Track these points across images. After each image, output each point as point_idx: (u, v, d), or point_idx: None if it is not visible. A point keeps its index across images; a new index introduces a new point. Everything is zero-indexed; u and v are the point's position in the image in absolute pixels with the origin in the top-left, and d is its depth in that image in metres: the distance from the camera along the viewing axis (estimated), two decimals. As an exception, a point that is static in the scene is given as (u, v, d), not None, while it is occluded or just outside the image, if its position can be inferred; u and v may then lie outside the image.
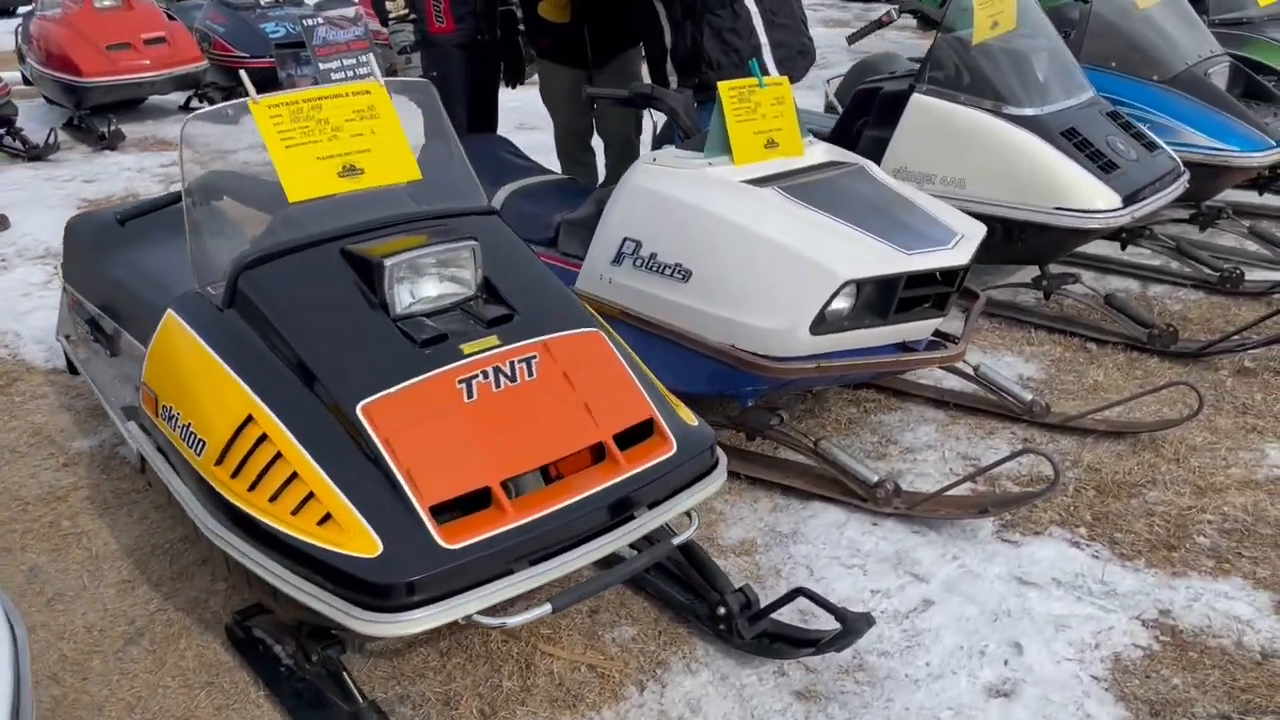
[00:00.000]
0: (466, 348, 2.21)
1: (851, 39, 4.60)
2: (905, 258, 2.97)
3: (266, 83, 8.94)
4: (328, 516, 1.98)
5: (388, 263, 2.23)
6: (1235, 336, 3.89)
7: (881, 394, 3.69)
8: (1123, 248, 4.69)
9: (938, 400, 3.63)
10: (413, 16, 4.54)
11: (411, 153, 2.56)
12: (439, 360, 2.17)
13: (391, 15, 4.53)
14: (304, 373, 2.13)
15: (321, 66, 8.41)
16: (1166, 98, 4.87)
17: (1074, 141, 4.10)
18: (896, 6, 4.49)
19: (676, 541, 2.29)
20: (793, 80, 4.13)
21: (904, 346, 3.12)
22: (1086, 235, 4.08)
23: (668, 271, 3.16)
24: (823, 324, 2.95)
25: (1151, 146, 4.35)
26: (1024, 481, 3.15)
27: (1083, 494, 3.08)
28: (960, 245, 3.08)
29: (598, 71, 4.67)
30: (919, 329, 3.12)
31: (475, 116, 4.83)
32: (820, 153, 3.52)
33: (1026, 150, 4.08)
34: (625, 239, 3.28)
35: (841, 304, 2.99)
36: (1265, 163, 4.72)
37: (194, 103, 8.91)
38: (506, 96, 4.75)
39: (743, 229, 3.04)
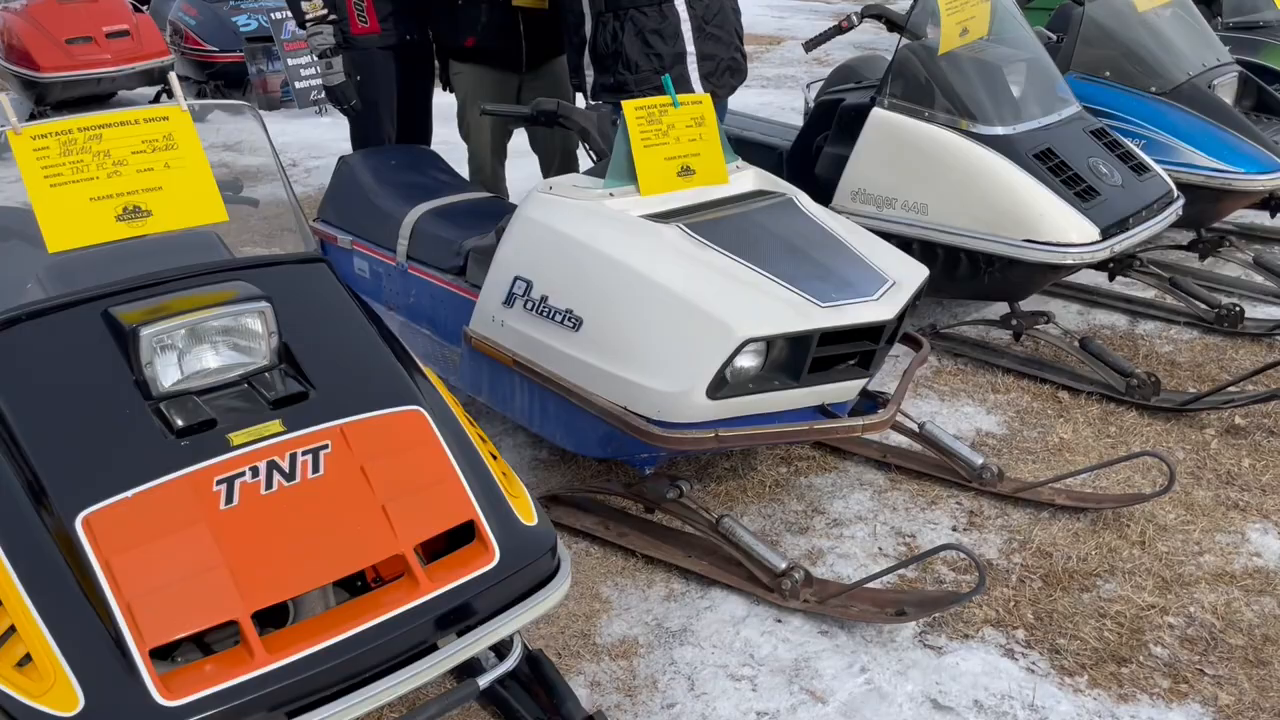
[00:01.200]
0: (236, 437, 1.82)
1: (808, 45, 4.19)
2: (819, 311, 2.55)
3: (238, 75, 8.49)
4: (27, 658, 1.60)
5: (143, 331, 1.85)
6: (1226, 390, 3.44)
7: (817, 450, 3.27)
8: (1110, 278, 4.24)
9: (880, 461, 3.21)
10: (332, 17, 4.14)
11: (216, 190, 2.17)
12: (197, 454, 1.78)
13: (308, 16, 4.12)
14: (28, 471, 1.75)
15: (290, 63, 8.10)
16: (1164, 112, 4.40)
17: (1049, 165, 3.66)
18: (857, 11, 4.04)
19: (483, 682, 1.89)
20: (718, 97, 3.73)
21: (825, 410, 2.71)
22: (1059, 271, 3.64)
23: (558, 318, 2.76)
24: (723, 386, 2.54)
25: (1140, 169, 3.90)
26: (962, 568, 2.73)
27: (1027, 585, 2.66)
28: (887, 296, 2.65)
29: (531, 75, 4.27)
30: (841, 391, 2.70)
31: (404, 126, 4.45)
32: (749, 180, 3.11)
33: (993, 174, 3.64)
34: (516, 278, 2.89)
35: (747, 363, 2.58)
36: (1272, 186, 4.25)
37: (163, 99, 8.57)
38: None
39: (635, 274, 2.63)
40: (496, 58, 4.18)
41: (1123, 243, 3.61)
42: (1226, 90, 4.60)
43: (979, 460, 3.05)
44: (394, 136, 4.37)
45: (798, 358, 2.58)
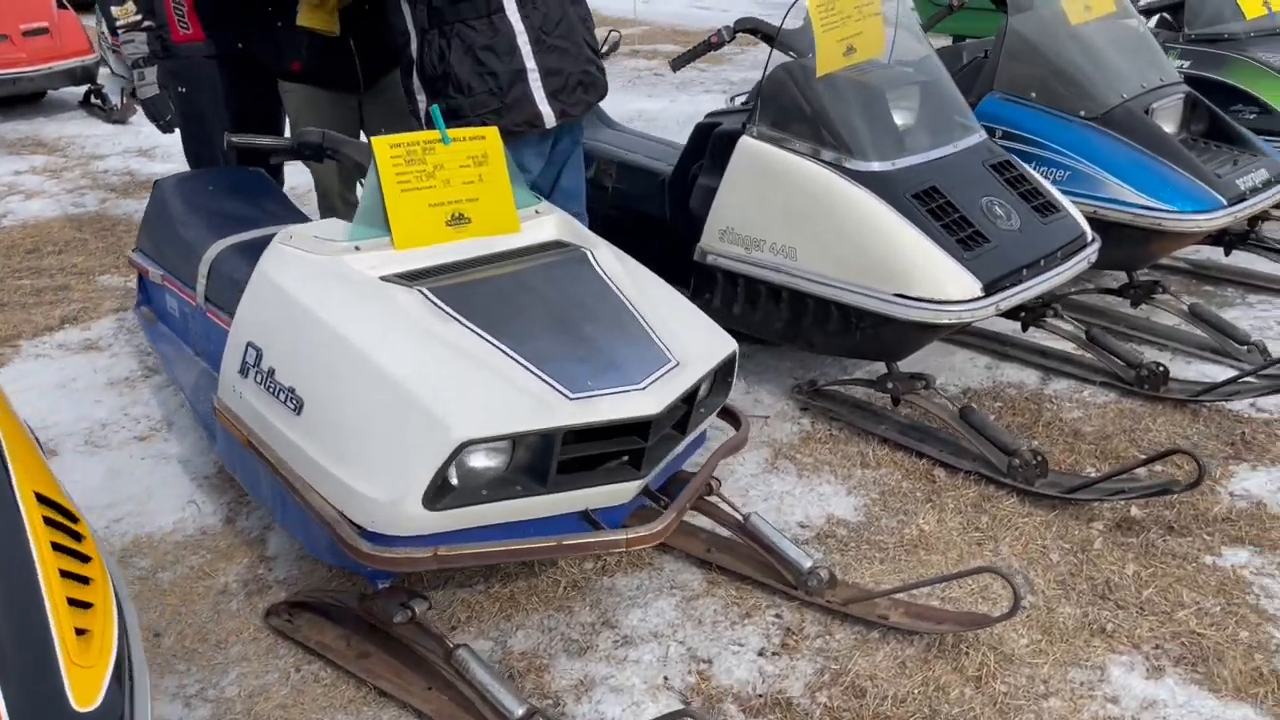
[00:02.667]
0: None
1: (675, 64, 3.72)
2: (565, 406, 2.09)
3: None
4: None
5: None
6: (1118, 477, 2.95)
7: (634, 540, 2.81)
8: (1023, 328, 3.74)
9: (702, 558, 2.75)
10: (147, 23, 3.71)
11: None
12: None
13: (119, 22, 3.70)
14: None
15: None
16: (1092, 140, 3.90)
17: (930, 206, 3.18)
18: (728, 26, 3.56)
19: None
20: (569, 117, 3.28)
21: (590, 518, 2.25)
22: (935, 330, 3.16)
23: (282, 396, 2.32)
24: (447, 494, 2.09)
25: (1046, 209, 3.41)
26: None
27: (825, 737, 2.20)
28: (659, 384, 2.19)
29: (371, 95, 3.83)
30: (609, 495, 2.24)
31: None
32: (548, 229, 2.66)
33: (863, 218, 3.16)
34: (249, 344, 2.46)
35: (482, 464, 2.13)
36: (1209, 227, 3.74)
37: (93, 99, 8.20)
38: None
39: (355, 351, 2.19)
40: (329, 80, 3.74)
41: (1012, 297, 3.12)
42: (1169, 115, 4.09)
43: (807, 563, 2.58)
44: (227, 156, 3.93)
45: (547, 459, 2.13)
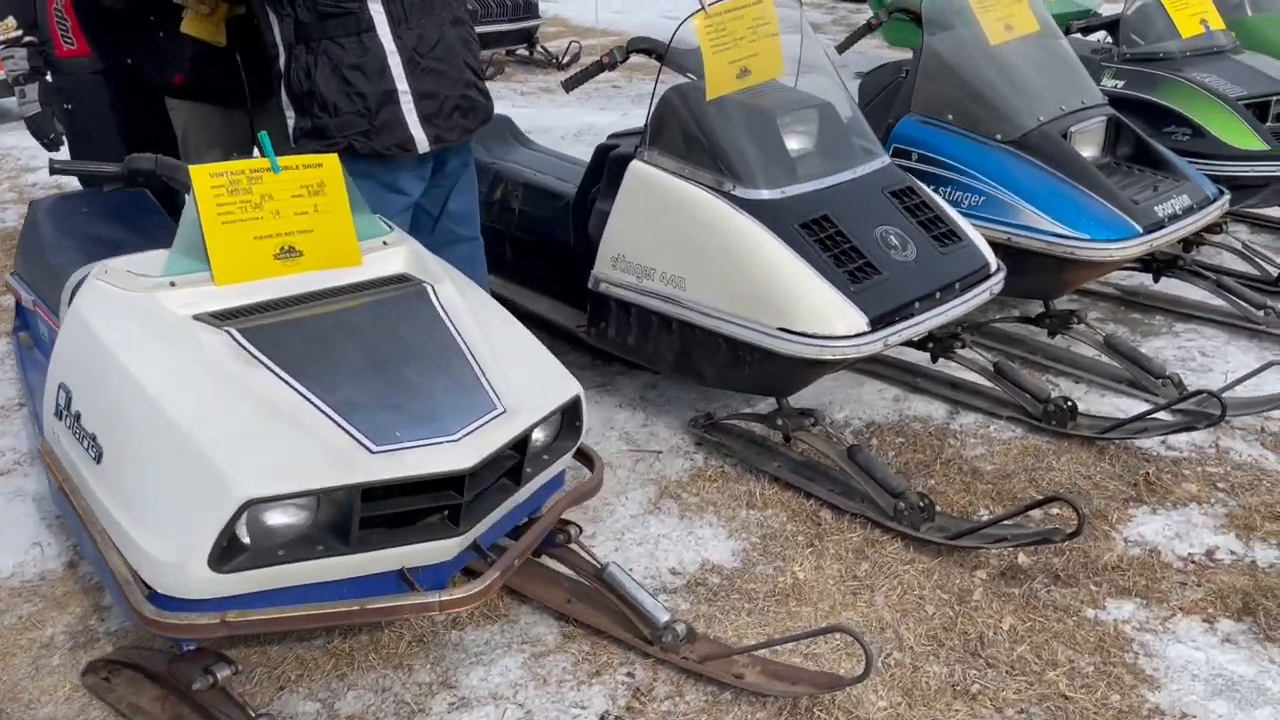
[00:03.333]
0: None
1: (568, 85, 3.62)
2: (365, 460, 1.95)
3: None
4: None
5: None
6: (1003, 523, 2.81)
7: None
8: (932, 359, 3.60)
9: (561, 610, 2.60)
10: (28, 39, 3.57)
11: None
12: None
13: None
14: None
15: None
16: (1007, 164, 3.77)
17: (819, 236, 3.05)
18: (621, 46, 3.42)
19: None
20: (444, 142, 3.15)
21: (406, 577, 2.10)
22: (820, 366, 3.02)
23: (85, 443, 2.18)
24: (239, 555, 1.95)
25: (947, 238, 3.27)
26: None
27: (653, 813, 2.05)
28: (476, 435, 2.05)
29: (261, 112, 3.68)
30: (422, 554, 2.10)
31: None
32: (395, 262, 2.52)
33: (748, 248, 3.03)
34: (61, 385, 2.31)
35: (282, 520, 1.99)
36: (1123, 257, 3.61)
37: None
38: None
39: (148, 399, 2.04)
40: (214, 94, 3.59)
41: (901, 333, 2.99)
42: (1089, 138, 3.96)
43: (664, 617, 2.43)
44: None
45: (350, 516, 1.98)
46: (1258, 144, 4.39)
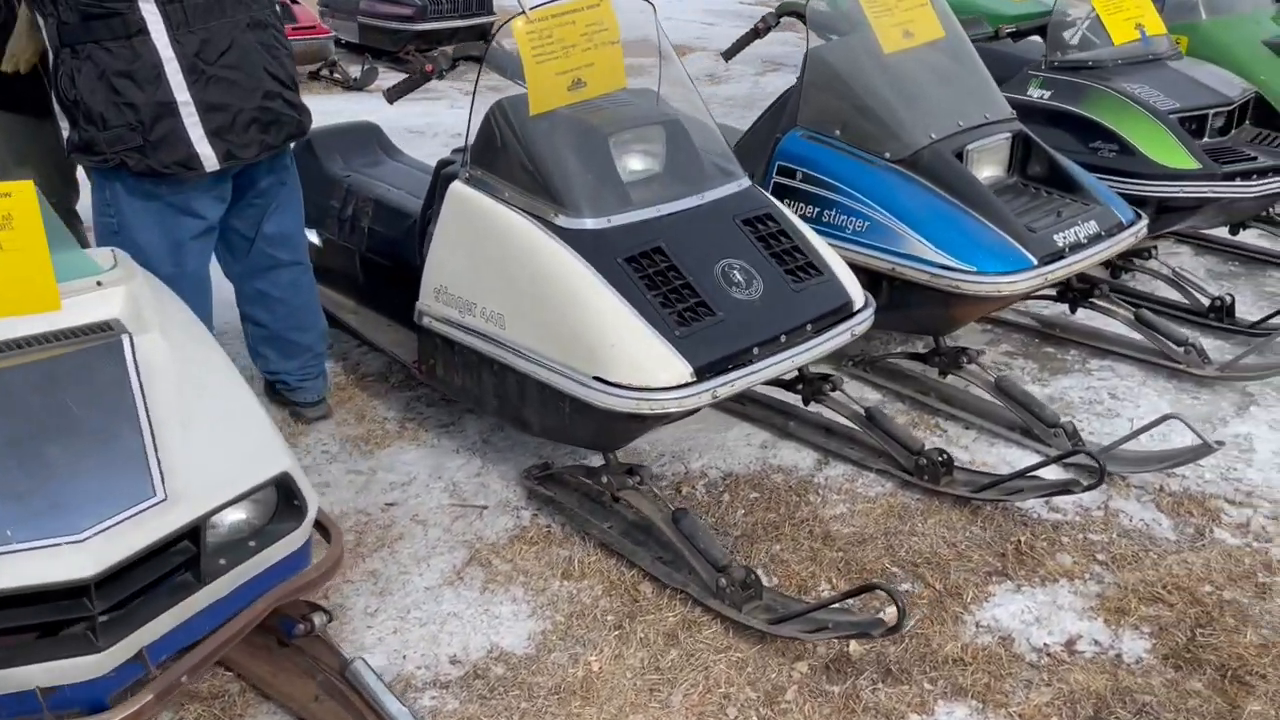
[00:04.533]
0: None
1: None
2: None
3: None
4: None
5: None
6: (831, 606, 2.46)
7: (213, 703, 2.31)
8: (805, 402, 3.25)
9: (299, 715, 2.25)
10: None
11: None
12: None
13: None
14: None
15: None
16: (894, 186, 3.42)
17: (648, 271, 2.69)
18: (445, 52, 3.07)
19: None
20: (237, 160, 2.82)
21: (39, 699, 1.75)
22: (641, 421, 2.66)
23: None
24: None
25: (806, 271, 2.91)
26: None
27: None
28: (113, 532, 1.71)
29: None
30: (54, 673, 1.75)
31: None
32: (105, 307, 2.18)
33: (565, 284, 2.68)
34: None
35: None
36: (1013, 291, 3.24)
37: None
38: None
39: None
40: (20, 103, 3.25)
41: (734, 383, 2.63)
42: (990, 157, 3.60)
43: (407, 723, 2.09)
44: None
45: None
46: (1188, 162, 4.02)
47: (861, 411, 3.14)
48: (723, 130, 3.81)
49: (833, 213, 3.51)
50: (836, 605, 2.43)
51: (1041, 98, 4.38)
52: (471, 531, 2.89)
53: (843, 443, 3.26)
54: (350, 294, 3.81)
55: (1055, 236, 3.32)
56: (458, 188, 2.93)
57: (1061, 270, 3.28)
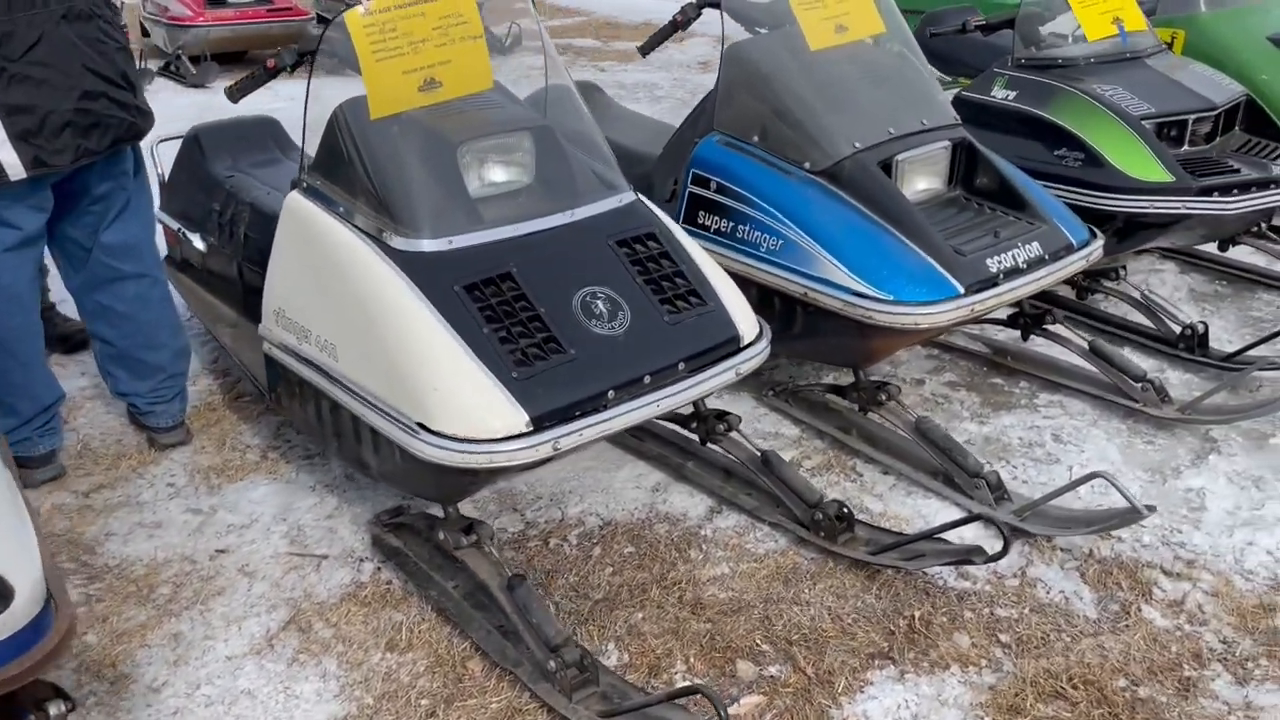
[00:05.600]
0: None
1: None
2: None
3: None
4: None
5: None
6: (663, 704, 2.12)
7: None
8: (701, 442, 2.90)
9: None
10: None
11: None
12: None
13: None
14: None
15: None
16: (811, 201, 3.07)
17: (490, 301, 2.36)
18: (292, 48, 2.75)
19: None
20: (48, 168, 2.54)
21: None
22: (474, 476, 2.33)
23: None
24: None
25: (686, 300, 2.56)
26: None
27: None
28: None
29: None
30: None
31: None
32: None
33: (392, 312, 2.35)
34: None
35: None
36: (934, 324, 2.88)
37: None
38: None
39: None
40: None
41: (581, 434, 2.28)
42: (923, 169, 3.23)
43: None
44: None
45: None
46: (1160, 174, 3.62)
47: (757, 454, 2.79)
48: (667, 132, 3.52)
49: (747, 228, 3.16)
50: (668, 703, 2.09)
51: (1006, 99, 3.99)
52: (301, 587, 2.58)
53: (740, 488, 2.92)
54: (232, 306, 3.50)
55: (988, 261, 2.95)
56: (293, 198, 2.62)
57: (992, 300, 2.91)
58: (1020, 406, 3.38)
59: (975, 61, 4.45)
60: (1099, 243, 3.21)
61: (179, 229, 3.38)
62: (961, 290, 2.86)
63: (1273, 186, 3.63)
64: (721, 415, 2.83)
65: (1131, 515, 2.53)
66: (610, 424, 2.33)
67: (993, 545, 2.42)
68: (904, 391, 3.43)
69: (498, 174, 2.61)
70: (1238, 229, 3.91)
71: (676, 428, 2.98)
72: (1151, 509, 2.52)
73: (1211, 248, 4.28)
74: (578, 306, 2.42)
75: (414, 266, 2.37)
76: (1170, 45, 4.98)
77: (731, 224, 3.21)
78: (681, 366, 2.46)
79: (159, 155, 3.61)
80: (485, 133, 2.60)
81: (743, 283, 3.16)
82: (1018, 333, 3.55)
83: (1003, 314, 3.46)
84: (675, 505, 2.89)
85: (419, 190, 2.47)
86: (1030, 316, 3.47)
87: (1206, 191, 3.58)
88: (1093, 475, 2.58)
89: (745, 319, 2.63)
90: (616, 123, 3.95)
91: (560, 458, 2.29)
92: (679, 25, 3.45)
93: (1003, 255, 2.98)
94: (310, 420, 2.72)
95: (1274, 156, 3.83)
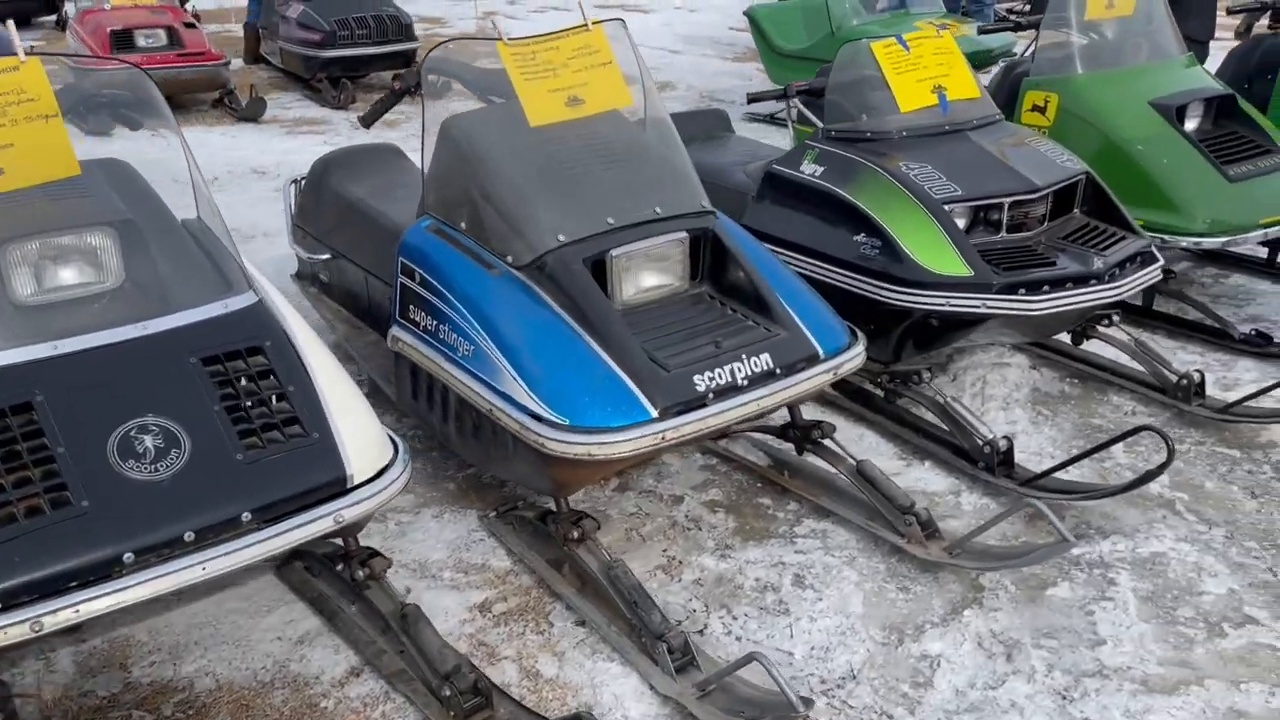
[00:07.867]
0: None
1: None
2: None
3: None
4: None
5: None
6: None
7: None
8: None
9: None
10: None
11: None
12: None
13: None
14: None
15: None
16: (499, 302, 2.66)
17: (-13, 441, 1.93)
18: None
19: None
20: None
21: None
22: None
23: None
24: None
25: (279, 431, 2.13)
26: None
27: None
28: None
29: None
30: None
31: None
32: None
33: None
34: None
35: None
36: (613, 455, 2.42)
37: None
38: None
39: None
40: None
41: (56, 614, 1.84)
42: (652, 265, 2.79)
43: None
44: None
45: None
46: (958, 268, 3.18)
47: (400, 609, 2.35)
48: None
49: (446, 329, 2.75)
50: None
51: (813, 174, 3.56)
52: None
53: (392, 644, 2.45)
54: None
55: (695, 378, 2.51)
56: None
57: (691, 425, 2.46)
58: (776, 536, 2.92)
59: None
60: (854, 354, 2.77)
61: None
62: (654, 414, 2.42)
63: (1092, 282, 3.18)
64: (373, 554, 2.40)
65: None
66: (99, 603, 1.87)
67: None
68: (653, 514, 3.00)
69: (61, 277, 2.20)
70: (1054, 329, 3.46)
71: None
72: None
73: (1067, 338, 3.82)
74: (113, 446, 1.99)
75: None
76: (1044, 108, 4.60)
77: (436, 323, 2.79)
78: (247, 518, 2.02)
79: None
80: (43, 229, 2.18)
81: (443, 391, 2.77)
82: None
83: (780, 419, 3.02)
84: (312, 664, 2.44)
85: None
86: (800, 428, 3.02)
87: (1010, 289, 3.13)
88: (749, 657, 2.11)
89: (362, 453, 2.20)
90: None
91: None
92: (399, 94, 3.05)
93: (717, 371, 2.54)
94: None
95: (1109, 244, 3.37)
